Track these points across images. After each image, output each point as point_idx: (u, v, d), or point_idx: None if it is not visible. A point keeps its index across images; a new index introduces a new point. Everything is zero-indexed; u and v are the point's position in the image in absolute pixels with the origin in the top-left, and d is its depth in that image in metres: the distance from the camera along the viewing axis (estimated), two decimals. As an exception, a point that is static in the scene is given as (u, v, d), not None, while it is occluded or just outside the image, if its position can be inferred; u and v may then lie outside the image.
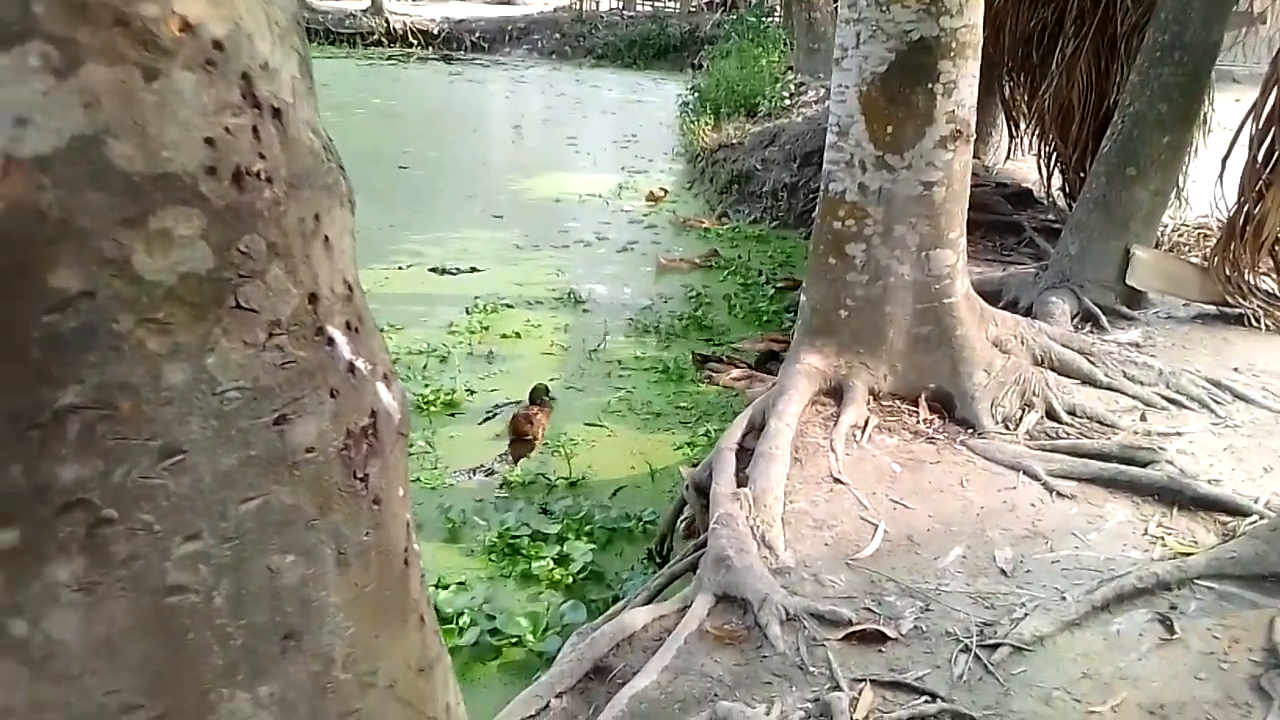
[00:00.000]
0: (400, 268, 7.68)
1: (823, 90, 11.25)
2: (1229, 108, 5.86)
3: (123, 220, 0.68)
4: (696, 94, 14.06)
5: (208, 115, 0.72)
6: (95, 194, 0.66)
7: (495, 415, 5.24)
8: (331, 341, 0.82)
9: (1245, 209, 4.80)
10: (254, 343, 0.76)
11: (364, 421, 0.86)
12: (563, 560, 3.95)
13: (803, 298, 4.25)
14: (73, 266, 0.67)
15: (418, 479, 4.58)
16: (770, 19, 20.38)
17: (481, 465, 4.79)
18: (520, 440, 4.92)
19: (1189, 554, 2.97)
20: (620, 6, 27.22)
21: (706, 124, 12.06)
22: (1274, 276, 5.10)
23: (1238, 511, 3.22)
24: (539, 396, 5.07)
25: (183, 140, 0.70)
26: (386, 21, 24.29)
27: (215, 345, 0.74)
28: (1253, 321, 5.00)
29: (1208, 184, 5.25)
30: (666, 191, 10.50)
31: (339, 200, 0.84)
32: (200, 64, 0.71)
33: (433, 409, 5.27)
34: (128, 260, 0.69)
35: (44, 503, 0.68)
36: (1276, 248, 4.84)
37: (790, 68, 14.24)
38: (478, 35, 24.35)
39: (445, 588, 3.70)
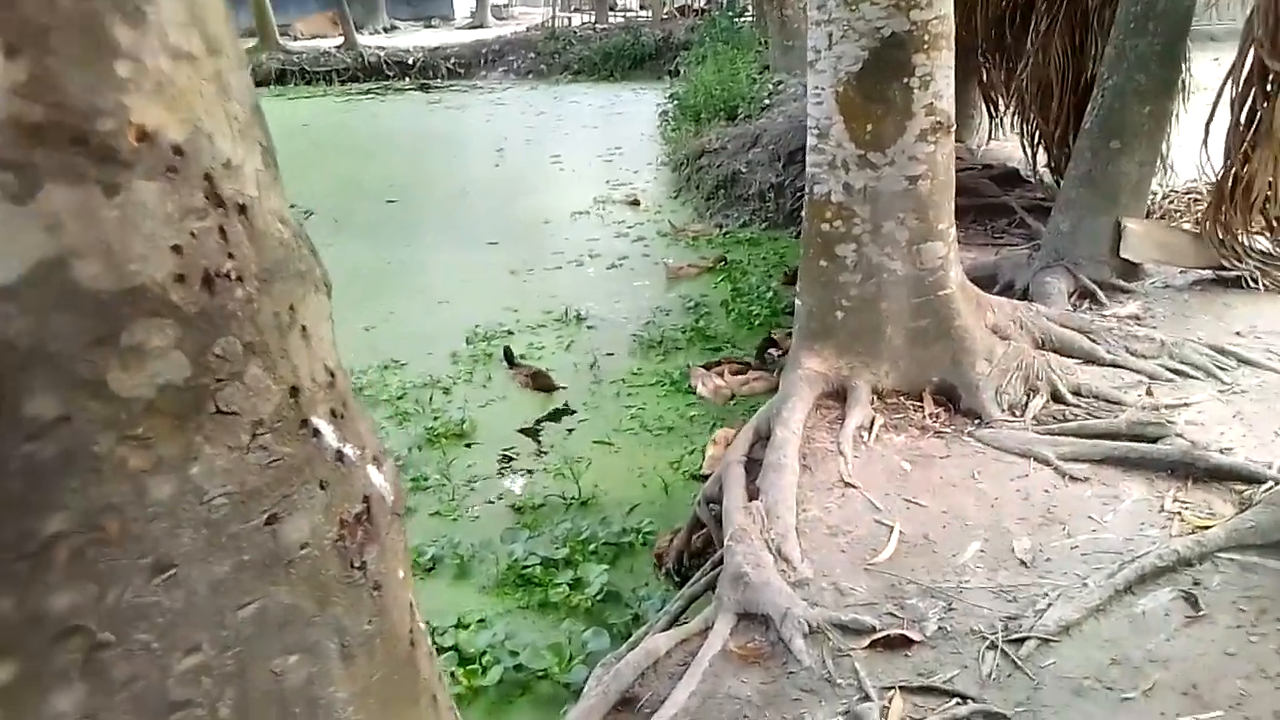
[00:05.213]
0: (398, 303, 7.69)
1: (801, 87, 11.23)
2: (1208, 68, 5.84)
3: (94, 340, 0.67)
4: (675, 101, 14.05)
5: (173, 222, 0.70)
6: (64, 317, 0.65)
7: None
8: (317, 433, 0.81)
9: (1233, 171, 4.79)
10: (238, 445, 0.75)
11: (357, 508, 0.85)
12: (578, 584, 3.92)
13: (798, 302, 4.24)
14: (47, 392, 0.66)
15: (437, 512, 4.57)
16: (742, 20, 20.47)
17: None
18: (546, 388, 5.83)
19: (1207, 527, 2.95)
20: (592, 20, 27.29)
21: (688, 131, 12.05)
22: (1268, 236, 5.08)
23: (1252, 479, 3.20)
24: (513, 358, 6.05)
25: (149, 251, 0.69)
26: (361, 56, 24.34)
27: (199, 454, 0.73)
28: (1251, 283, 4.98)
29: (1192, 149, 5.23)
30: (639, 202, 10.51)
31: (313, 286, 0.83)
32: (161, 172, 0.70)
33: (444, 440, 5.26)
34: (103, 380, 0.67)
35: (39, 633, 0.67)
36: (1268, 206, 4.82)
37: (767, 67, 14.25)
38: (453, 61, 24.37)
39: (466, 627, 3.67)
